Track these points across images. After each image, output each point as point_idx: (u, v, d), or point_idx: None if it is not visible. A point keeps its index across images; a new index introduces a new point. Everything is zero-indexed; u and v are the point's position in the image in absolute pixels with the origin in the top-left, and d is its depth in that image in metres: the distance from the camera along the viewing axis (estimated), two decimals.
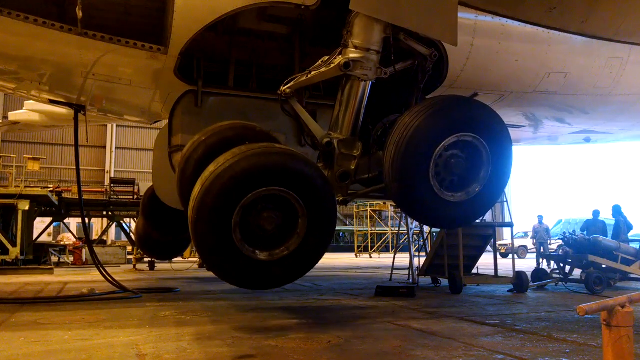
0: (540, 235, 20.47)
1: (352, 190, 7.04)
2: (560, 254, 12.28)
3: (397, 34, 6.27)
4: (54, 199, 19.50)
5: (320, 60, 6.36)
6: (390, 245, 37.08)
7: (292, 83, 6.27)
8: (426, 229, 15.40)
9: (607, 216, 15.60)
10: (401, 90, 7.13)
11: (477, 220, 8.13)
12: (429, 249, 13.33)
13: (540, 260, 17.05)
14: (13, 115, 13.90)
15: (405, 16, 5.83)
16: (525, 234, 35.94)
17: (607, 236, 12.95)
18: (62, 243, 22.17)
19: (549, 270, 12.16)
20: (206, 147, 6.23)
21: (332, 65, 6.09)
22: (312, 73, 6.21)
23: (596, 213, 14.96)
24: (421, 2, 5.80)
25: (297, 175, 5.32)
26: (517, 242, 32.42)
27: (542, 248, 19.93)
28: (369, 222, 39.32)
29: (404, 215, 14.58)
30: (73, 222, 29.73)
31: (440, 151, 5.71)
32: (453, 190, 5.92)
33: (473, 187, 5.98)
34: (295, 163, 5.36)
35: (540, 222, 21.07)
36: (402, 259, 15.47)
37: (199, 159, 6.11)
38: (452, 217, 6.11)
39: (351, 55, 6.04)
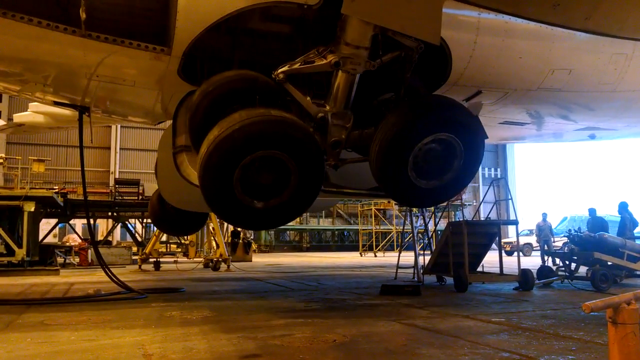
0: (545, 232, 20.46)
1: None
2: (565, 251, 12.25)
3: (386, 31, 6.56)
4: (59, 200, 19.56)
5: (315, 50, 6.74)
6: (395, 244, 37.04)
7: (285, 68, 6.67)
8: (431, 227, 15.39)
9: (610, 212, 15.53)
10: (394, 72, 7.30)
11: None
12: (433, 247, 13.32)
13: (546, 257, 16.99)
14: (18, 117, 13.93)
15: (392, 19, 6.24)
16: (531, 232, 35.86)
17: (607, 232, 12.90)
18: (67, 244, 22.25)
19: (554, 268, 12.12)
20: (213, 98, 6.63)
21: (324, 62, 6.56)
22: (306, 64, 6.66)
23: (592, 211, 14.91)
24: (407, 5, 6.03)
25: (291, 140, 6.02)
26: (522, 240, 32.39)
27: (546, 246, 19.90)
28: (373, 221, 39.30)
29: (408, 214, 14.58)
30: (78, 223, 29.80)
31: (418, 148, 6.50)
32: (428, 179, 6.77)
33: (446, 176, 6.84)
34: (289, 129, 6.02)
35: (544, 219, 21.04)
36: (407, 257, 15.46)
37: (207, 108, 6.61)
38: (426, 199, 7.28)
39: (343, 52, 6.44)
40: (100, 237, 29.83)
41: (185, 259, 21.22)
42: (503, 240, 24.17)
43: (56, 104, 9.26)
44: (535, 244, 32.77)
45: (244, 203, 6.09)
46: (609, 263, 11.08)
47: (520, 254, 12.18)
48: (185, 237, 23.14)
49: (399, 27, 6.22)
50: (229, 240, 25.10)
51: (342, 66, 6.48)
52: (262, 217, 6.34)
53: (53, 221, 24.13)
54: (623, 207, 14.09)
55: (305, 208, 6.63)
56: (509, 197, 12.14)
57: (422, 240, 17.97)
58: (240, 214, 6.23)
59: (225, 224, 25.34)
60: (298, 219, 47.18)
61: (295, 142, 6.03)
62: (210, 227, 20.18)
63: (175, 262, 20.20)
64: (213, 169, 5.89)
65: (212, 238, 20.23)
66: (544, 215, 21.14)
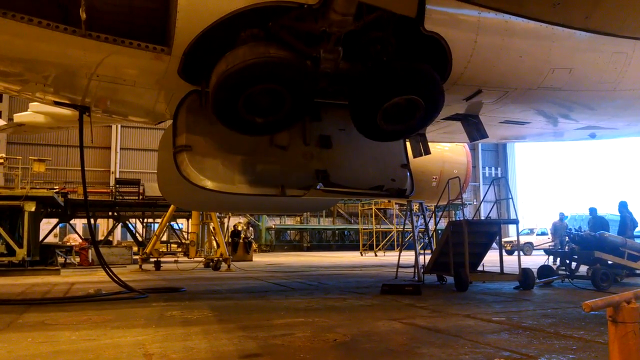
0: (560, 232, 20.57)
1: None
2: (566, 250, 12.24)
3: None
4: (60, 200, 19.57)
5: (308, 7, 6.90)
6: (396, 243, 37.07)
7: (278, 19, 7.06)
8: (431, 226, 15.39)
9: (611, 212, 15.52)
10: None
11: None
12: (434, 247, 13.32)
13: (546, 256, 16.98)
14: (18, 117, 13.91)
15: None
16: (531, 231, 35.91)
17: (608, 231, 12.90)
18: (68, 244, 22.24)
19: (554, 267, 12.13)
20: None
21: (314, 25, 7.00)
22: (297, 21, 7.09)
23: (593, 210, 14.88)
24: None
25: (286, 77, 6.93)
26: (523, 239, 32.41)
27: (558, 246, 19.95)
28: (373, 220, 39.32)
29: (408, 213, 14.58)
30: (79, 223, 29.83)
31: (387, 105, 7.46)
32: (394, 124, 7.92)
33: (409, 122, 7.95)
34: (286, 69, 6.83)
35: (562, 219, 21.13)
36: (408, 256, 15.46)
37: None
38: (392, 136, 8.37)
39: (331, 18, 6.77)
40: (100, 237, 29.85)
41: (185, 259, 21.21)
42: (503, 240, 24.13)
43: (56, 104, 9.26)
44: (536, 243, 32.87)
45: (247, 119, 7.31)
46: (610, 262, 11.08)
47: (521, 253, 12.17)
48: (186, 236, 23.18)
49: (380, 3, 6.80)
50: (230, 240, 25.13)
51: (328, 30, 6.97)
52: (262, 128, 7.60)
53: (54, 221, 24.15)
54: (623, 206, 14.08)
55: (296, 122, 7.95)
56: (510, 197, 12.13)
57: (422, 240, 17.99)
58: (243, 127, 7.49)
59: (226, 224, 25.38)
60: (298, 219, 47.25)
61: (290, 78, 6.97)
62: (211, 227, 20.18)
63: (176, 261, 20.19)
64: (220, 99, 6.97)
65: (213, 238, 20.23)
66: (562, 215, 21.25)
